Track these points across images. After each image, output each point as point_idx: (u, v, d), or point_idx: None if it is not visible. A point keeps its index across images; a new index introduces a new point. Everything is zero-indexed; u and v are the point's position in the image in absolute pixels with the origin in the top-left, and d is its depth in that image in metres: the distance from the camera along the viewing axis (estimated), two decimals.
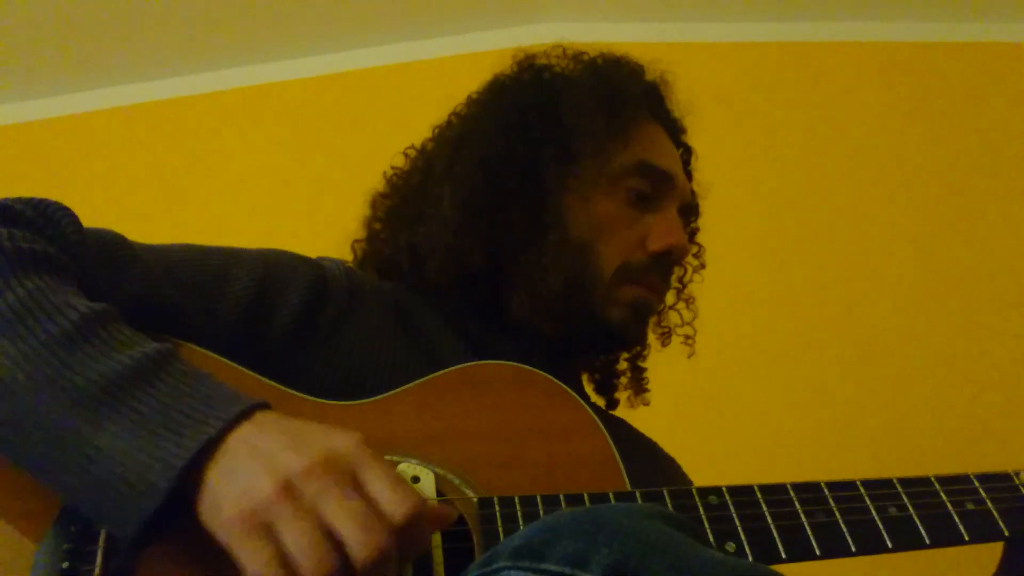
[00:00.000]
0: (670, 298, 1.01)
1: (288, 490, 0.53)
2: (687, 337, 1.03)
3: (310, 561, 0.52)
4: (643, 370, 1.02)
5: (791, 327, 1.77)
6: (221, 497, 0.54)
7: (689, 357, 1.02)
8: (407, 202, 0.94)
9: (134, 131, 1.98)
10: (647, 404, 1.01)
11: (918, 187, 1.89)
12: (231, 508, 0.53)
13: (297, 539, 0.52)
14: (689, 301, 1.04)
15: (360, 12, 1.95)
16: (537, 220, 0.86)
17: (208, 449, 0.55)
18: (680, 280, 1.02)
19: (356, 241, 0.98)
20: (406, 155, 0.99)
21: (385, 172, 0.99)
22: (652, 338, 1.01)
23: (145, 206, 1.85)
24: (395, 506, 0.54)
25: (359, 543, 0.52)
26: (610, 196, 0.88)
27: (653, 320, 1.01)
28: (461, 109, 0.97)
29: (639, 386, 1.02)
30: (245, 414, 0.57)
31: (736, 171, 1.81)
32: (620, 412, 0.99)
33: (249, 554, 0.52)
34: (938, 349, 1.73)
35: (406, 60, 2.00)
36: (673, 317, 1.03)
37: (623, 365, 1.02)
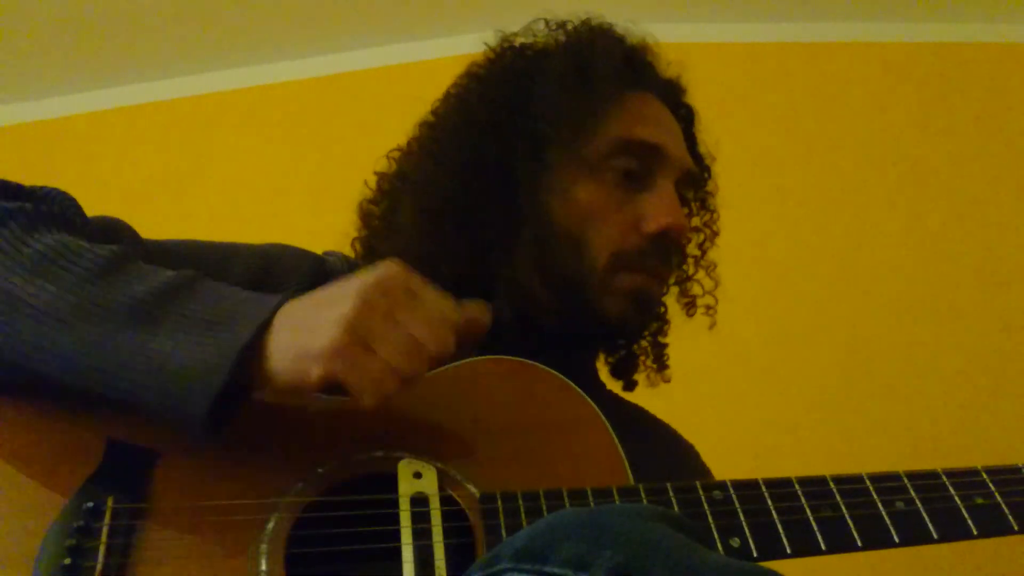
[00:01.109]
0: (690, 268, 0.96)
1: (369, 305, 0.59)
2: (708, 307, 0.98)
3: (411, 360, 0.59)
4: (664, 346, 0.97)
5: (796, 324, 1.76)
6: (304, 340, 0.59)
7: (711, 328, 0.97)
8: (384, 210, 0.92)
9: (134, 132, 1.99)
10: (667, 381, 0.97)
11: (923, 184, 1.88)
12: (323, 339, 0.58)
13: (396, 344, 0.59)
14: (709, 269, 0.98)
15: (360, 13, 1.95)
16: (512, 218, 0.83)
17: (260, 333, 0.59)
18: (699, 246, 0.97)
19: (355, 239, 0.97)
20: (388, 158, 0.96)
21: (367, 181, 0.96)
22: (676, 309, 0.96)
23: (146, 207, 1.84)
24: (450, 310, 0.64)
25: (435, 342, 0.60)
26: (594, 181, 0.83)
27: (676, 291, 0.96)
28: (438, 105, 0.93)
29: (660, 362, 0.97)
30: (284, 300, 0.62)
31: (740, 169, 1.80)
32: (638, 393, 0.97)
33: (362, 367, 0.58)
34: (947, 342, 1.72)
35: (406, 61, 2.00)
36: (695, 287, 0.98)
37: (644, 343, 0.97)
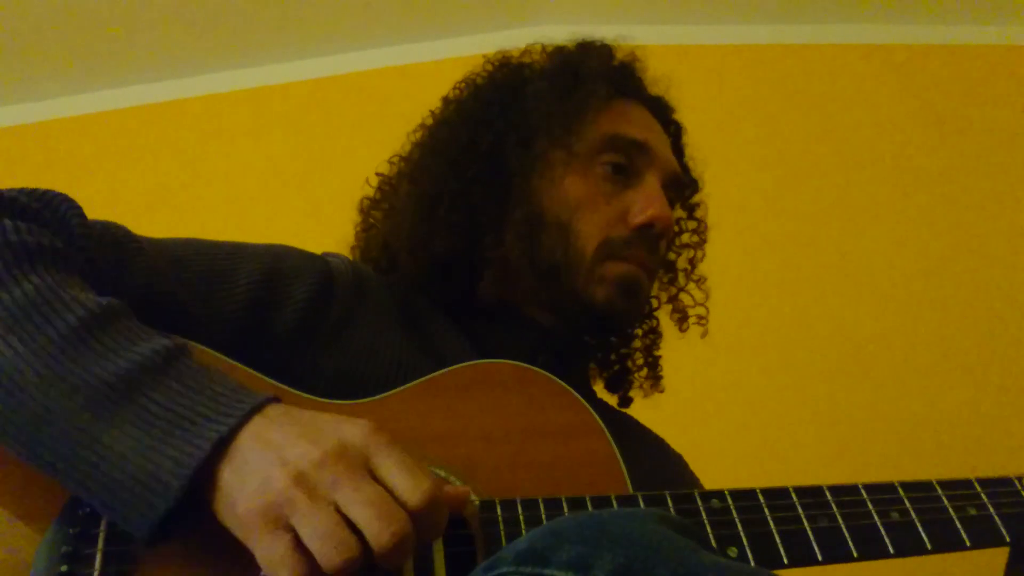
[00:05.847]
0: (680, 280, 1.00)
1: (302, 480, 0.53)
2: (700, 318, 1.01)
3: (329, 548, 0.51)
4: (657, 359, 1.01)
5: (792, 330, 1.77)
6: (235, 493, 0.54)
7: (703, 337, 1.00)
8: (385, 208, 0.97)
9: (136, 133, 1.98)
10: (662, 391, 1.00)
11: (919, 187, 1.90)
12: (246, 503, 0.53)
13: (314, 528, 0.52)
14: (700, 282, 1.02)
15: (360, 15, 1.96)
16: (503, 204, 0.86)
17: (220, 447, 0.55)
18: (690, 261, 1.01)
19: (353, 247, 0.99)
20: (390, 163, 1.01)
21: (368, 179, 1.00)
22: (668, 324, 1.00)
23: (147, 209, 1.85)
24: (411, 492, 0.54)
25: (377, 529, 0.52)
26: (584, 174, 0.87)
27: (668, 308, 1.00)
28: (437, 110, 0.98)
29: (654, 376, 1.00)
30: (256, 409, 0.57)
31: (737, 173, 1.81)
32: (632, 403, 0.99)
33: (266, 547, 0.52)
34: (941, 350, 1.74)
35: (406, 62, 2.00)
36: (685, 299, 1.01)
37: (639, 359, 1.01)
